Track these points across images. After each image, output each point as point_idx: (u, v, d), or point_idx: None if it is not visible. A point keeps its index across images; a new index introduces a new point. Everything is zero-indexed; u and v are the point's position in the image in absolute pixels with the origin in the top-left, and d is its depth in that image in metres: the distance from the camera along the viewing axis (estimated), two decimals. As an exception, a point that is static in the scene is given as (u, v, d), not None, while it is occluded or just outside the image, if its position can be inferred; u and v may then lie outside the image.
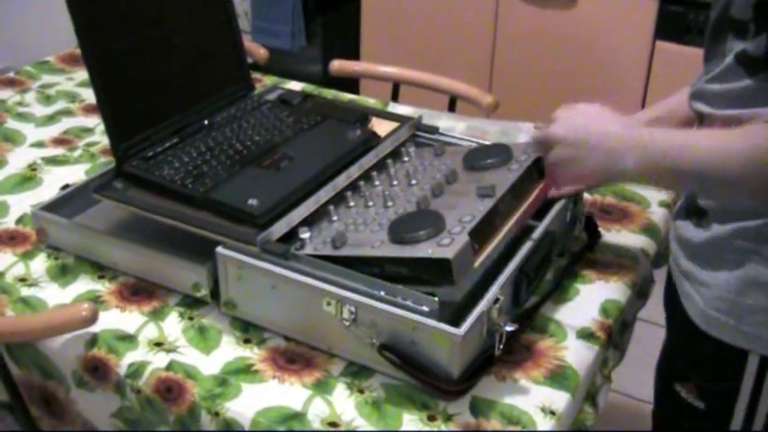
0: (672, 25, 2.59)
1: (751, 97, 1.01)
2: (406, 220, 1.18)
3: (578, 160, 1.13)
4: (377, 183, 1.35)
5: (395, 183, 1.34)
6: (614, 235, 1.47)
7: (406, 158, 1.43)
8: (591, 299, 1.31)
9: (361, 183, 1.36)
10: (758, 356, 1.09)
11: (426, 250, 1.10)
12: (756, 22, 0.99)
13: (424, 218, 1.17)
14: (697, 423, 1.18)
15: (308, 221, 1.27)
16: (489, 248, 1.16)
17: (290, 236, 1.25)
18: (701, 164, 1.02)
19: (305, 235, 1.22)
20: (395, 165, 1.40)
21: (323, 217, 1.28)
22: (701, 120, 1.11)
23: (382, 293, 1.12)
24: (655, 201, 1.57)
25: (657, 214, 1.54)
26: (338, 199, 1.32)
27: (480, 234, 1.14)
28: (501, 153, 1.33)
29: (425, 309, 1.09)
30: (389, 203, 1.26)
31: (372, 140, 1.45)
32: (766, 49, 0.98)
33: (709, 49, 1.09)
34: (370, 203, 1.28)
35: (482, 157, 1.34)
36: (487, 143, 1.43)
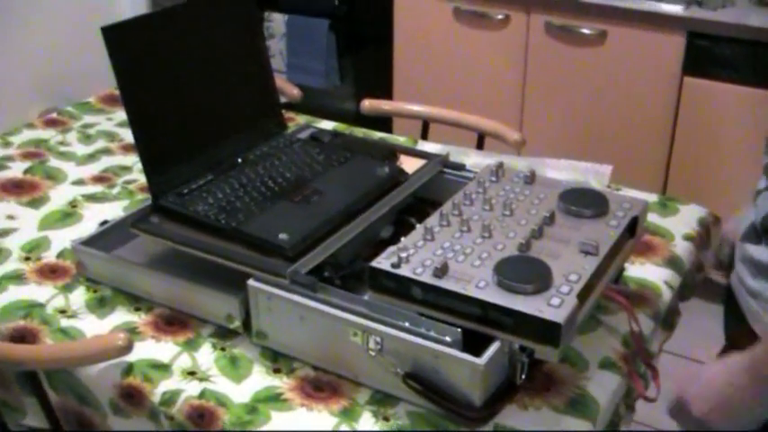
0: (699, 60, 2.60)
1: None
2: (512, 264, 1.18)
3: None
4: (473, 205, 1.36)
5: (488, 209, 1.34)
6: (638, 268, 1.49)
7: (492, 179, 1.44)
8: (612, 329, 1.33)
9: (457, 200, 1.36)
10: None
11: (536, 307, 1.10)
12: None
13: (532, 267, 1.17)
14: None
15: (401, 232, 1.27)
16: (585, 308, 1.17)
17: (321, 267, 1.29)
18: None
19: (404, 254, 1.21)
20: (488, 186, 1.42)
21: (419, 231, 1.28)
22: None
23: (407, 324, 1.16)
24: (679, 234, 1.58)
25: (681, 247, 1.55)
26: (439, 215, 1.32)
27: (583, 294, 1.15)
28: (598, 202, 1.34)
29: (448, 339, 1.12)
30: (487, 234, 1.26)
31: (400, 176, 1.50)
32: None
33: None
34: (466, 229, 1.28)
35: (579, 204, 1.34)
36: (581, 185, 1.43)
